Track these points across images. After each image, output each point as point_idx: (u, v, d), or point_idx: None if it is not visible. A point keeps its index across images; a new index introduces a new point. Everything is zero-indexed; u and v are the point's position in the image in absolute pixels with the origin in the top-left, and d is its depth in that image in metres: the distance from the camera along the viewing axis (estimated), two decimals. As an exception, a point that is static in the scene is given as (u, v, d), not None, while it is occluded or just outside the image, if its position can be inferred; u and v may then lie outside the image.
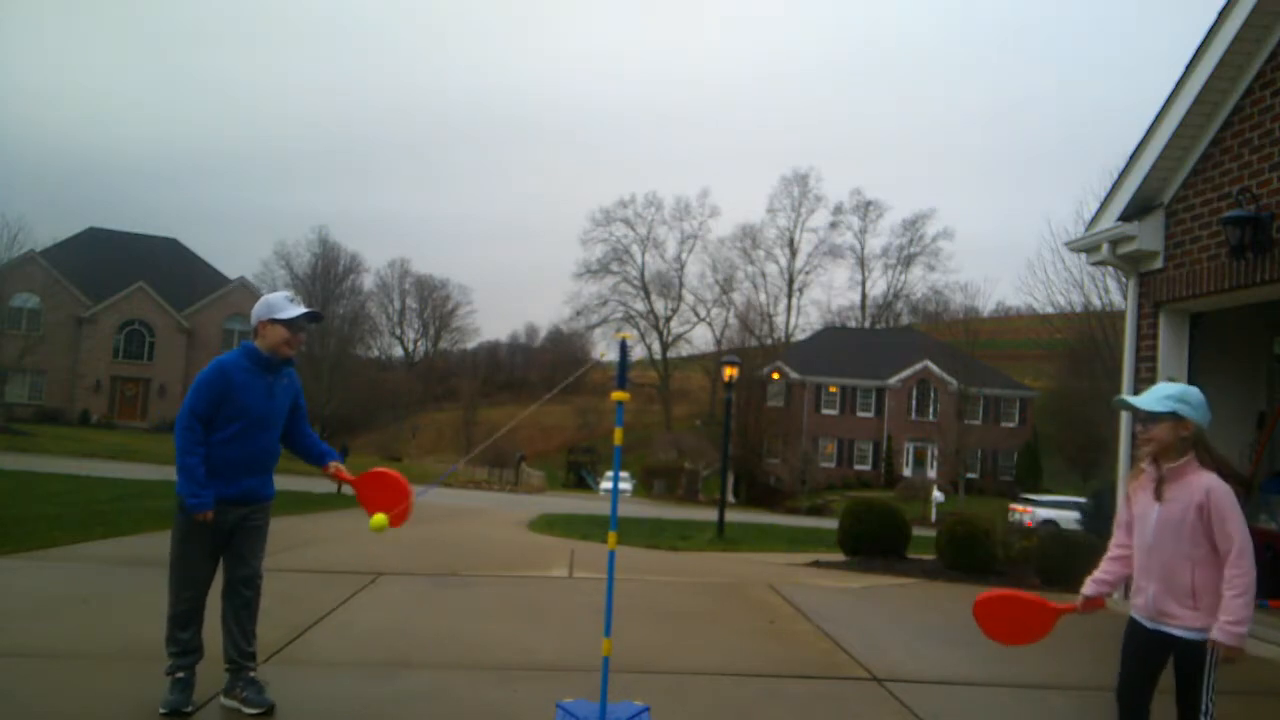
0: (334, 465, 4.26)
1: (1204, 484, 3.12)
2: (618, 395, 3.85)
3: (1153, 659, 3.27)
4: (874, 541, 11.05)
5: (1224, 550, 3.07)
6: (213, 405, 3.91)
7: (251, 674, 4.04)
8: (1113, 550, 3.47)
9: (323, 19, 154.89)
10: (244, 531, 4.05)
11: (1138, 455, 3.30)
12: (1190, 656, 3.14)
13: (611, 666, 3.82)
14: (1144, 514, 3.27)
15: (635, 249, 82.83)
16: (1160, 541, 3.20)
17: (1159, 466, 3.23)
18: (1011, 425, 56.52)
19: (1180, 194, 8.02)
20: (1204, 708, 3.13)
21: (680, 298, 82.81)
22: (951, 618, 7.43)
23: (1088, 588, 3.43)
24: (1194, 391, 3.23)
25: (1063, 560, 9.10)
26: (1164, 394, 3.20)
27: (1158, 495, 3.22)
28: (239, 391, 3.94)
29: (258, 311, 4.11)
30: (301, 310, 4.10)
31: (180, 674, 3.94)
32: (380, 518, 3.85)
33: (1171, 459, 3.19)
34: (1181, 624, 3.15)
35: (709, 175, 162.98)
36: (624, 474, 46.48)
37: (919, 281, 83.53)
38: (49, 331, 46.33)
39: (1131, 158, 8.31)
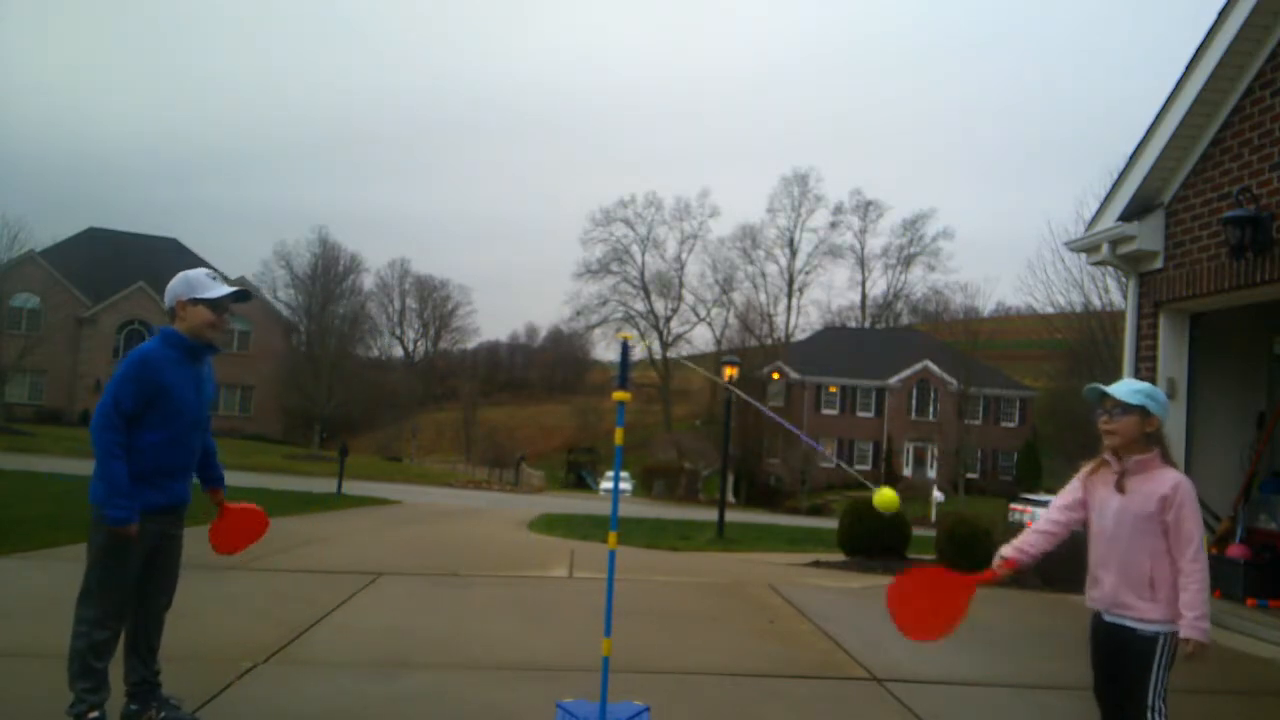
0: (220, 494, 4.01)
1: (1171, 478, 3.17)
2: (619, 395, 3.84)
3: (1116, 651, 3.28)
4: (874, 541, 11.05)
5: (1180, 548, 3.11)
6: (140, 401, 3.44)
7: (163, 691, 3.69)
8: (1040, 524, 3.53)
9: (323, 17, 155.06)
10: (168, 542, 3.66)
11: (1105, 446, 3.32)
12: (1142, 649, 3.15)
13: (611, 666, 3.82)
14: (1103, 505, 3.30)
15: (635, 249, 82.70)
16: (1119, 533, 3.22)
17: (1121, 459, 3.25)
18: (1011, 425, 56.54)
19: (1180, 194, 8.02)
20: (1151, 704, 3.12)
21: (680, 298, 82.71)
22: (951, 618, 7.42)
23: (1007, 550, 3.47)
24: (1160, 391, 3.30)
25: (1063, 560, 9.08)
26: (1135, 388, 3.25)
27: (1119, 487, 3.24)
28: (170, 385, 3.50)
29: (176, 289, 3.65)
30: (226, 289, 3.69)
31: (95, 714, 3.45)
32: (888, 494, 3.55)
33: (1135, 452, 3.23)
34: (1137, 615, 3.17)
35: (709, 175, 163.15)
36: (624, 474, 46.47)
37: (919, 281, 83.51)
38: (49, 331, 46.15)
39: (1131, 157, 8.32)
